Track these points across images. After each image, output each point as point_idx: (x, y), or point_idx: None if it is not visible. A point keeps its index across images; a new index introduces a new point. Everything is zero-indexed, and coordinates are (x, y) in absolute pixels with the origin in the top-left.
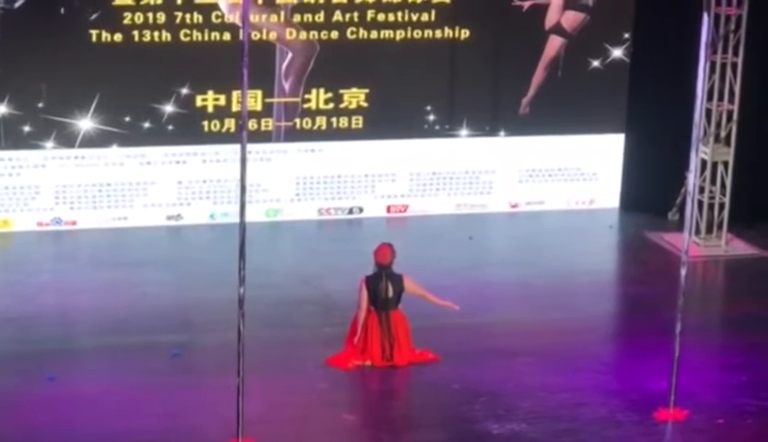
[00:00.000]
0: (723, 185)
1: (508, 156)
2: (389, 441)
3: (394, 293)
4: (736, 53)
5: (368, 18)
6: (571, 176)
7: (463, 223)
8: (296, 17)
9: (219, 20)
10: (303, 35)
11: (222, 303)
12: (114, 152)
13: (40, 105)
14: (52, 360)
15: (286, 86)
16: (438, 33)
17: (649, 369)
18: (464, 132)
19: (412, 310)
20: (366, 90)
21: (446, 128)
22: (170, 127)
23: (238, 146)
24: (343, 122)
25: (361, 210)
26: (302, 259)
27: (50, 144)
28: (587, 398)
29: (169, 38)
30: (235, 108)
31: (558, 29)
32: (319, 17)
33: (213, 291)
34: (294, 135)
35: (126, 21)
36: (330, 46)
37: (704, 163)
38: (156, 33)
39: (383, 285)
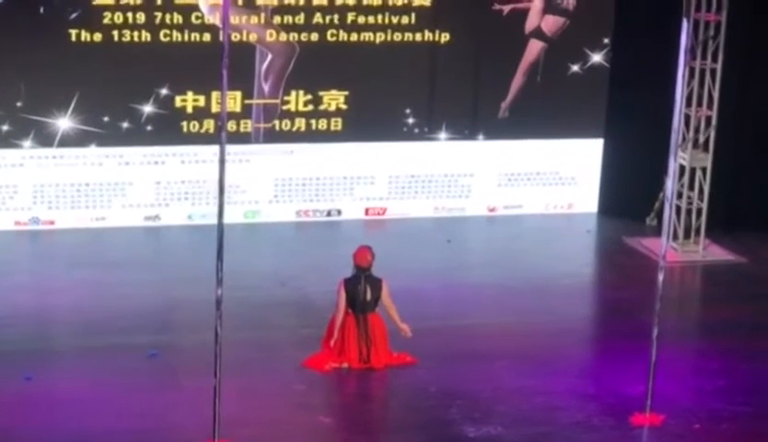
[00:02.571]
0: (701, 191)
1: (487, 159)
2: None
3: (372, 296)
4: (715, 59)
5: (348, 21)
6: (549, 180)
7: (442, 226)
8: (277, 19)
9: (199, 21)
10: (283, 37)
11: (199, 304)
12: (93, 152)
13: (19, 104)
14: (29, 360)
15: (266, 87)
16: (418, 36)
17: (626, 374)
18: (443, 135)
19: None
20: (346, 93)
21: (425, 131)
22: (149, 127)
23: (217, 147)
24: (323, 124)
25: (339, 212)
26: (280, 260)
27: (28, 143)
28: (563, 402)
29: (149, 38)
30: (214, 109)
31: (538, 34)
32: (299, 19)
33: (190, 292)
34: (273, 137)
35: (106, 21)
36: (310, 48)
37: (682, 169)
38: (135, 33)
39: (361, 288)
